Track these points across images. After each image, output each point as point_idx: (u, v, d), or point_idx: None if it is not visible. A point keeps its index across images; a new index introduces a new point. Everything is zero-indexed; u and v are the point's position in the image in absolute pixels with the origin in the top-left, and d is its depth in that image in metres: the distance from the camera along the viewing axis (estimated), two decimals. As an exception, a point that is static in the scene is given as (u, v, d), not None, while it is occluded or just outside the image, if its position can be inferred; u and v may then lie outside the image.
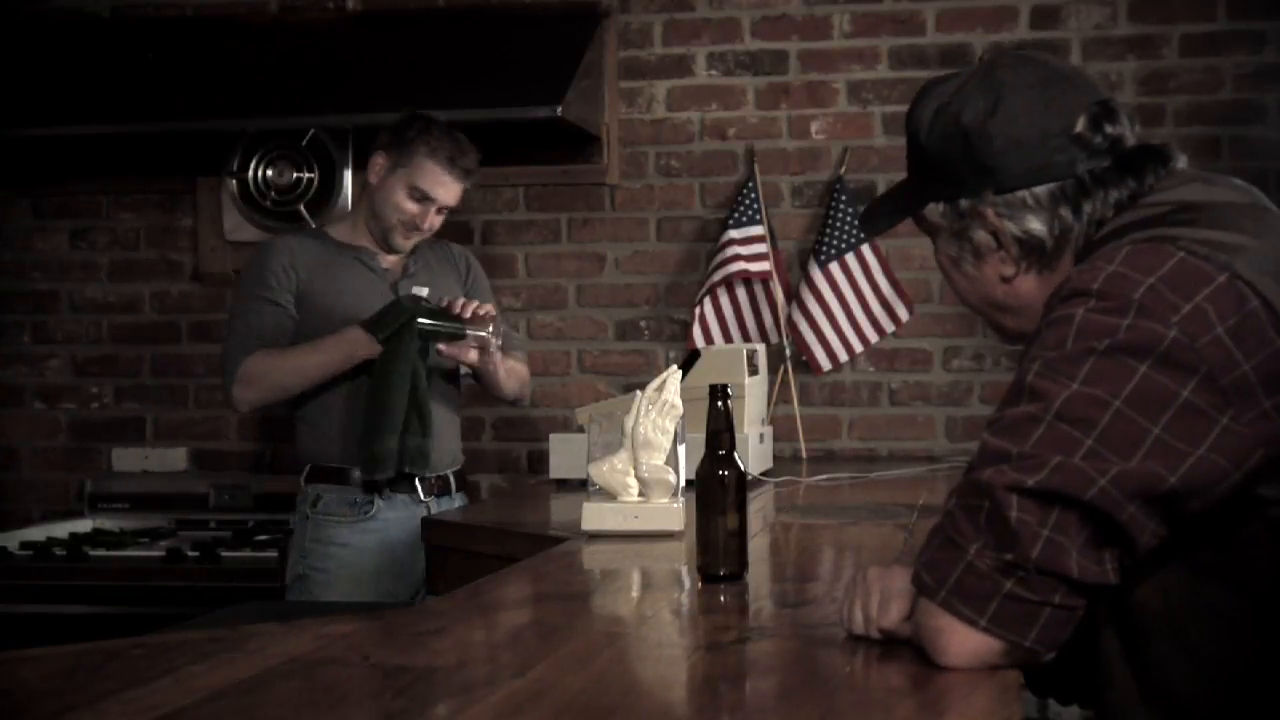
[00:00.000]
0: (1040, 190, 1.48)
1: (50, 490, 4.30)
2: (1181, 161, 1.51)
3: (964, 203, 1.51)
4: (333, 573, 3.07)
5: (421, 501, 3.13)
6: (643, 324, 4.10)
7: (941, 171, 1.53)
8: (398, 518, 3.10)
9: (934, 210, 1.55)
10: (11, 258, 4.33)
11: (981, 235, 1.52)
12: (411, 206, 3.11)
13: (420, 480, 3.13)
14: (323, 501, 3.11)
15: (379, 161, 3.13)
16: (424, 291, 3.12)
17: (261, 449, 4.21)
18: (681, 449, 2.39)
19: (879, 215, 1.67)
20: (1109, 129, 1.48)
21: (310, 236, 3.24)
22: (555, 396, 4.12)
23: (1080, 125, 1.47)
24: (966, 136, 1.49)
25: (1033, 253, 1.50)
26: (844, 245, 3.90)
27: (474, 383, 3.30)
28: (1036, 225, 1.48)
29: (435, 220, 3.17)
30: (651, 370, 3.94)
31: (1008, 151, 1.47)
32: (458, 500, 3.25)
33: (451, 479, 3.23)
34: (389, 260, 3.21)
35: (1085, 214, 1.47)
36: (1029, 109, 1.48)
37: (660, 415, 2.31)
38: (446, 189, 3.12)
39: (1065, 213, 1.47)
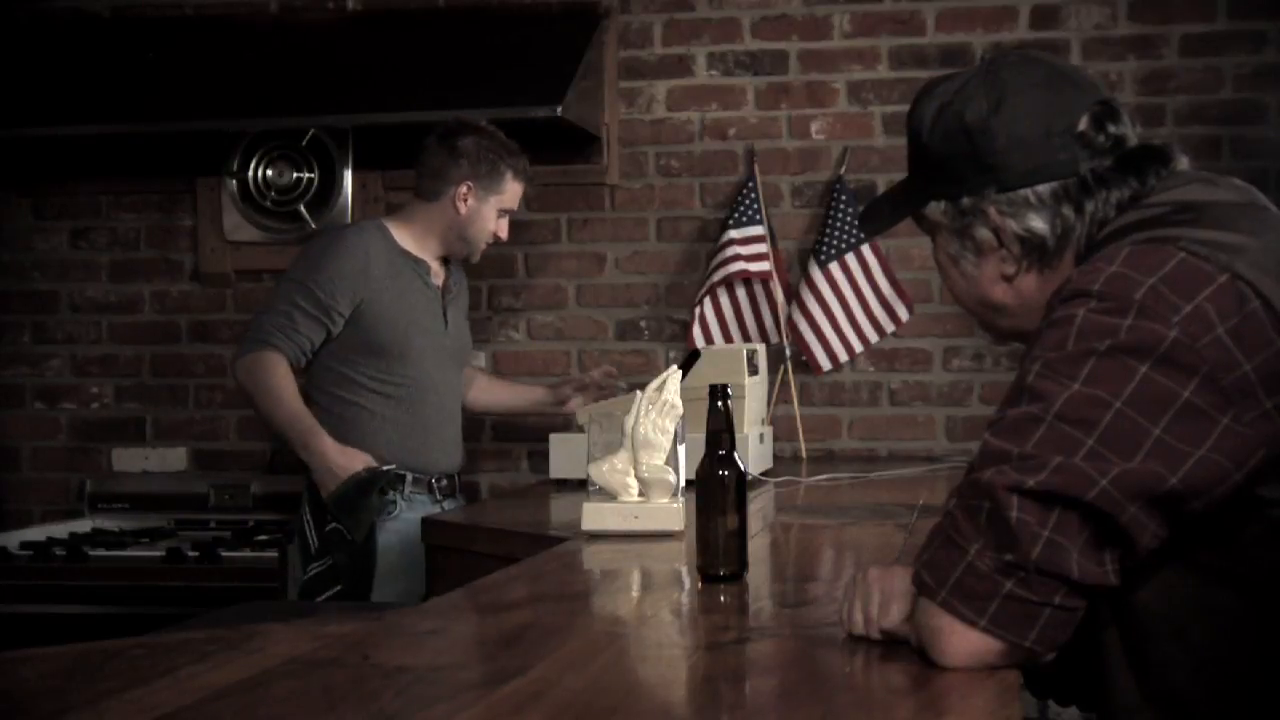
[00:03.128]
0: (1043, 189, 1.48)
1: (50, 490, 4.29)
2: (1183, 162, 1.51)
3: (966, 201, 1.51)
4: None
5: (437, 502, 3.23)
6: (643, 324, 4.10)
7: (943, 170, 1.52)
8: (414, 520, 3.09)
9: (935, 208, 1.55)
10: (11, 258, 4.33)
11: (983, 233, 1.52)
12: (501, 225, 3.28)
13: (434, 482, 3.23)
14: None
15: (464, 192, 3.20)
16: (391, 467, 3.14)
17: (261, 449, 4.21)
18: (681, 449, 2.39)
19: (879, 213, 1.67)
20: (1111, 128, 1.48)
21: (381, 237, 3.23)
22: (555, 396, 4.11)
23: (1083, 124, 1.48)
24: (969, 135, 1.49)
25: (1034, 251, 1.50)
26: (844, 245, 3.90)
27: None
28: (1039, 224, 1.48)
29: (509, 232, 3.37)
30: (651, 370, 3.93)
31: (1011, 150, 1.47)
32: (460, 501, 3.35)
33: (457, 480, 3.33)
34: (439, 278, 3.30)
35: (1087, 213, 1.47)
36: (1032, 108, 1.48)
37: (660, 415, 2.31)
38: (520, 200, 3.34)
39: (1068, 211, 1.47)
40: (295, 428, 3.08)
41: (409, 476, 3.18)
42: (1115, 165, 1.47)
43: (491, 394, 3.64)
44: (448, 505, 3.27)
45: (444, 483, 3.27)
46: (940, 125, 1.52)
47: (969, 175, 1.50)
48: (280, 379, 3.09)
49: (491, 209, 3.23)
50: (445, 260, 3.34)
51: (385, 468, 3.08)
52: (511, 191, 3.26)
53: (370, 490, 3.05)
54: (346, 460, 3.05)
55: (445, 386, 3.29)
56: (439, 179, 3.21)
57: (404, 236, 3.25)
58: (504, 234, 3.30)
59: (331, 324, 3.14)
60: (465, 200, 3.20)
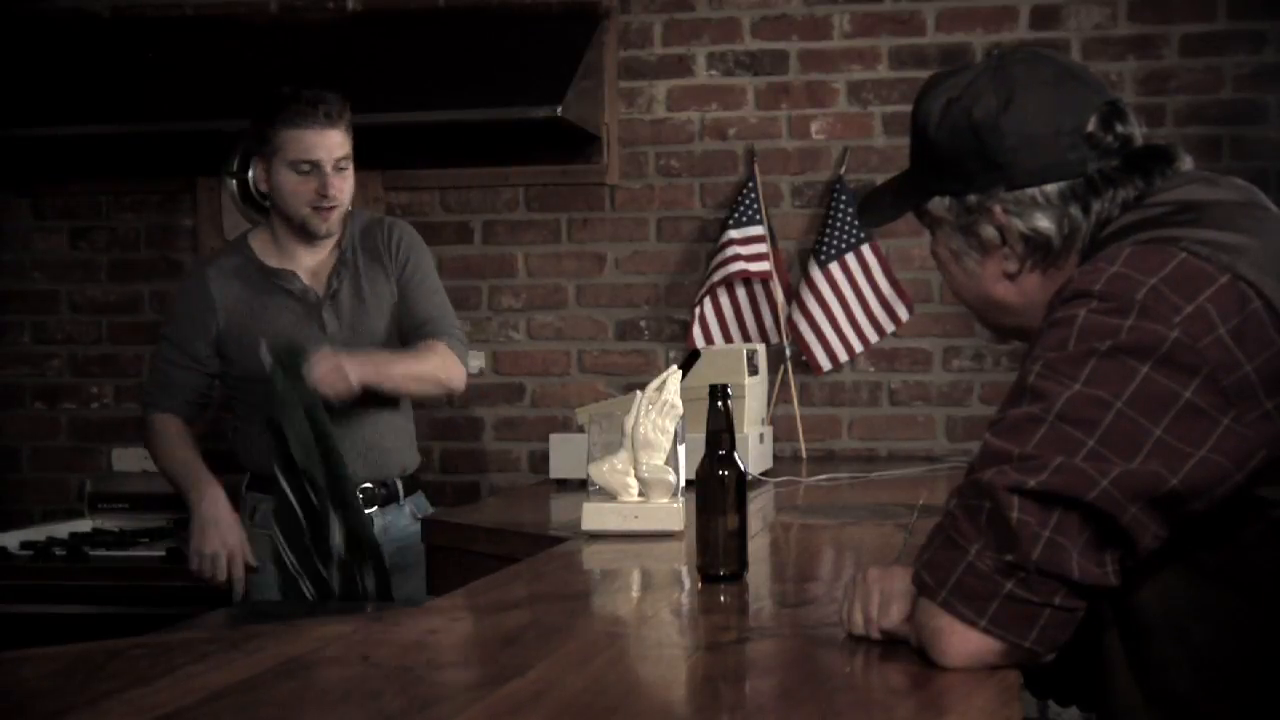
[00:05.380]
0: (1050, 188, 1.47)
1: (50, 490, 4.29)
2: (1187, 162, 1.50)
3: (972, 198, 1.50)
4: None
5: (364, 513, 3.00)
6: (643, 324, 4.10)
7: (949, 165, 1.51)
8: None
9: (939, 204, 1.54)
10: (11, 258, 4.33)
11: (988, 231, 1.51)
12: (307, 183, 2.93)
13: (361, 491, 2.98)
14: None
15: (259, 168, 3.00)
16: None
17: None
18: (681, 449, 2.39)
19: (880, 205, 1.66)
20: (1119, 128, 1.48)
21: (232, 261, 3.07)
22: (555, 396, 4.12)
23: (1092, 124, 1.47)
24: (978, 131, 1.48)
25: (1038, 250, 1.49)
26: (844, 245, 3.89)
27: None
28: (1045, 223, 1.48)
29: (340, 185, 2.96)
30: (651, 370, 3.93)
31: (1020, 148, 1.46)
32: (407, 507, 3.11)
33: (400, 486, 3.10)
34: (311, 277, 3.04)
35: (1094, 213, 1.46)
36: (1042, 106, 1.47)
37: (660, 415, 2.32)
38: (323, 144, 2.93)
39: (1075, 211, 1.47)
40: (179, 480, 3.01)
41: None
42: (1122, 165, 1.47)
43: None
44: (383, 517, 3.05)
45: (382, 491, 3.06)
46: (948, 121, 1.51)
47: (976, 172, 1.49)
48: (165, 435, 3.05)
49: (281, 169, 2.93)
50: (345, 254, 3.06)
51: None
52: (288, 140, 2.91)
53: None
54: (217, 531, 2.90)
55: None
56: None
57: (265, 249, 3.07)
58: (329, 190, 2.93)
59: (202, 367, 3.06)
60: (263, 176, 2.99)
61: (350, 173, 3.01)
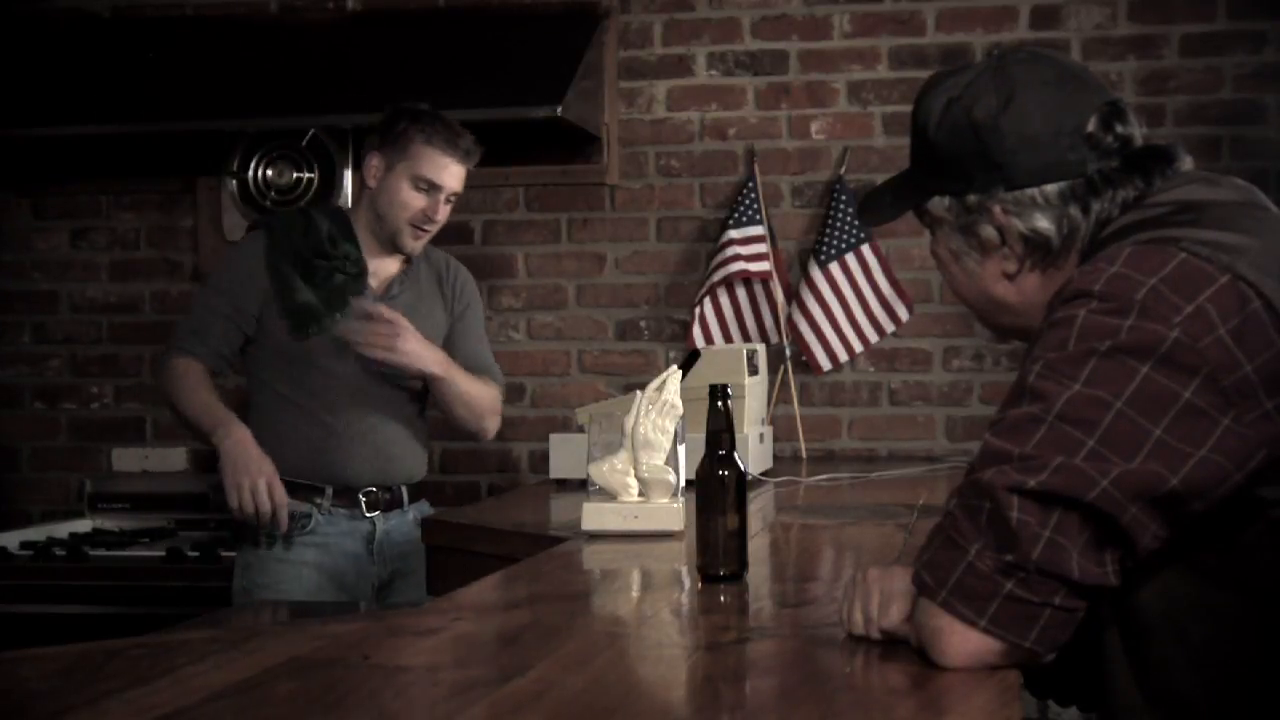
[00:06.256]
0: (1050, 189, 1.47)
1: (50, 490, 4.29)
2: (1188, 162, 1.50)
3: (971, 198, 1.50)
4: (272, 588, 2.97)
5: (365, 517, 3.04)
6: (643, 324, 4.10)
7: (949, 165, 1.51)
8: (338, 533, 3.01)
9: (938, 204, 1.54)
10: (11, 258, 4.33)
11: (988, 231, 1.51)
12: (418, 199, 2.99)
13: (364, 494, 3.02)
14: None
15: (374, 162, 3.02)
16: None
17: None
18: (681, 449, 2.39)
19: (880, 205, 1.66)
20: (1119, 129, 1.48)
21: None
22: (555, 396, 4.12)
23: (1092, 125, 1.47)
24: (978, 131, 1.48)
25: (1037, 251, 1.49)
26: (844, 245, 3.89)
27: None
28: (1044, 223, 1.48)
29: (444, 211, 3.04)
30: (651, 370, 3.93)
31: (1020, 148, 1.46)
32: (411, 513, 3.12)
33: (404, 493, 3.12)
34: (373, 276, 3.07)
35: (1094, 213, 1.46)
36: (1042, 106, 1.47)
37: (660, 415, 2.31)
38: (450, 173, 3.01)
39: (1074, 212, 1.47)
40: (202, 420, 2.95)
41: (328, 490, 3.01)
42: (1122, 166, 1.47)
43: None
44: (385, 521, 3.07)
45: (387, 495, 3.07)
46: (948, 120, 1.51)
47: (976, 172, 1.49)
48: (189, 377, 2.97)
49: (401, 178, 2.97)
50: (412, 268, 3.12)
51: (280, 512, 2.91)
52: (423, 156, 2.96)
53: (254, 534, 2.97)
54: (247, 462, 2.88)
55: (369, 396, 3.00)
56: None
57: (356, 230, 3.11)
58: (436, 214, 3.00)
59: (243, 323, 3.02)
60: (376, 173, 3.01)
61: (448, 210, 3.08)
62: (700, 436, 1.94)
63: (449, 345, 3.13)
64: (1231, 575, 1.35)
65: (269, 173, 4.11)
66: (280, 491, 2.91)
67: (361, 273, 3.04)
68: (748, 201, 3.93)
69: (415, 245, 3.06)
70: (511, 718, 1.25)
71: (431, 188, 3.00)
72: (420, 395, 3.15)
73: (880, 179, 3.92)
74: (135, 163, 4.19)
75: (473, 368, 3.13)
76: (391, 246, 3.07)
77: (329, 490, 3.02)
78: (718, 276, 3.87)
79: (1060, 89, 1.48)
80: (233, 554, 3.55)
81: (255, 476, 2.89)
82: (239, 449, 2.91)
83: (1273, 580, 1.33)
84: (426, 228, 3.04)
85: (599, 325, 4.11)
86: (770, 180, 4.01)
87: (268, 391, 3.05)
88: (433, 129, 2.98)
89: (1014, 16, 3.94)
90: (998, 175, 1.48)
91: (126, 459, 4.25)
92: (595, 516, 2.35)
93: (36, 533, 3.83)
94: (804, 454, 3.94)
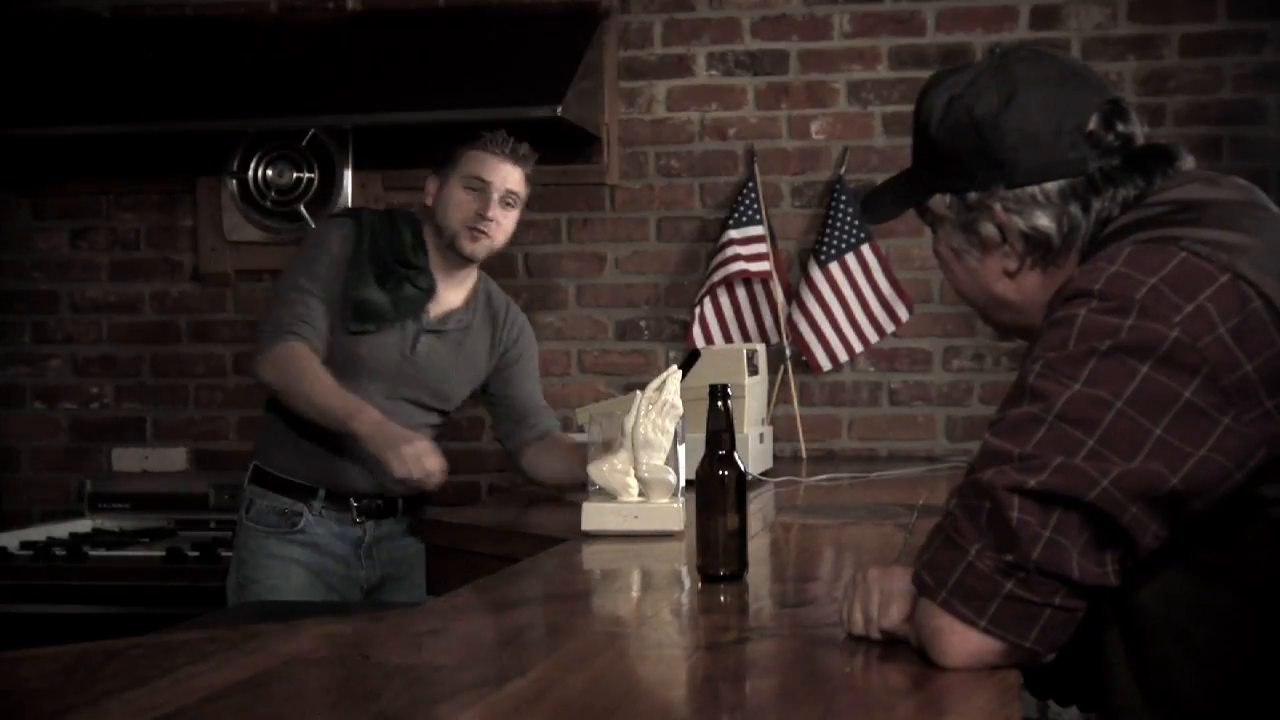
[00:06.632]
0: (1050, 187, 1.47)
1: (50, 490, 4.29)
2: (1189, 161, 1.50)
3: (972, 196, 1.51)
4: (263, 583, 2.96)
5: (356, 523, 3.02)
6: (643, 324, 4.10)
7: (950, 163, 1.52)
8: (328, 535, 3.00)
9: (940, 202, 1.55)
10: (11, 258, 4.33)
11: (988, 229, 1.51)
12: (470, 198, 2.96)
13: (357, 500, 3.00)
14: (255, 508, 3.01)
15: (431, 186, 3.02)
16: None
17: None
18: (681, 449, 2.40)
19: (882, 203, 1.66)
20: (1120, 127, 1.48)
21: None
22: (555, 396, 4.10)
23: (1093, 123, 1.47)
24: (979, 129, 1.48)
25: (1038, 249, 1.50)
26: (844, 245, 3.89)
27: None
28: (1045, 221, 1.48)
29: (502, 215, 2.98)
30: (651, 370, 3.93)
31: (1020, 146, 1.47)
32: (406, 521, 3.09)
33: (400, 503, 3.08)
34: (438, 304, 3.04)
35: (1094, 212, 1.47)
36: (1043, 104, 1.47)
37: (660, 415, 2.32)
38: (499, 171, 2.97)
39: (1075, 210, 1.47)
40: (334, 406, 2.84)
41: (321, 492, 2.99)
42: (1122, 164, 1.47)
43: (541, 463, 3.19)
44: (376, 528, 3.04)
45: (379, 503, 3.03)
46: (949, 118, 1.51)
47: (976, 170, 1.49)
48: (307, 362, 2.87)
49: (453, 184, 2.97)
50: (472, 304, 3.09)
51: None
52: (471, 159, 2.96)
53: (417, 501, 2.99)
54: (396, 435, 2.81)
55: (391, 419, 2.88)
56: None
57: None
58: (489, 211, 2.95)
59: (330, 311, 2.95)
60: (431, 192, 3.01)
61: (514, 215, 3.04)
62: (700, 436, 1.94)
63: (501, 387, 3.17)
64: (1232, 574, 1.35)
65: (269, 173, 4.11)
66: (438, 455, 2.86)
67: (429, 292, 3.02)
68: (748, 201, 3.93)
69: (474, 248, 2.99)
70: (511, 718, 1.25)
71: (482, 185, 2.97)
72: (439, 425, 3.15)
73: (880, 179, 3.93)
74: (135, 163, 4.19)
75: (525, 411, 3.17)
76: (454, 256, 3.02)
77: (321, 493, 3.01)
78: (718, 276, 3.87)
79: (1061, 87, 1.48)
80: (233, 554, 3.55)
81: (410, 443, 2.82)
82: (381, 428, 2.83)
83: (1273, 579, 1.33)
84: (482, 228, 2.97)
85: (599, 325, 4.11)
86: (770, 180, 4.01)
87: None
88: (481, 138, 2.99)
89: (1014, 16, 3.94)
90: (998, 173, 1.48)
91: (126, 459, 4.25)
92: (595, 516, 2.36)
93: (36, 533, 3.83)
94: (804, 454, 3.94)
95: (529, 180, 3.06)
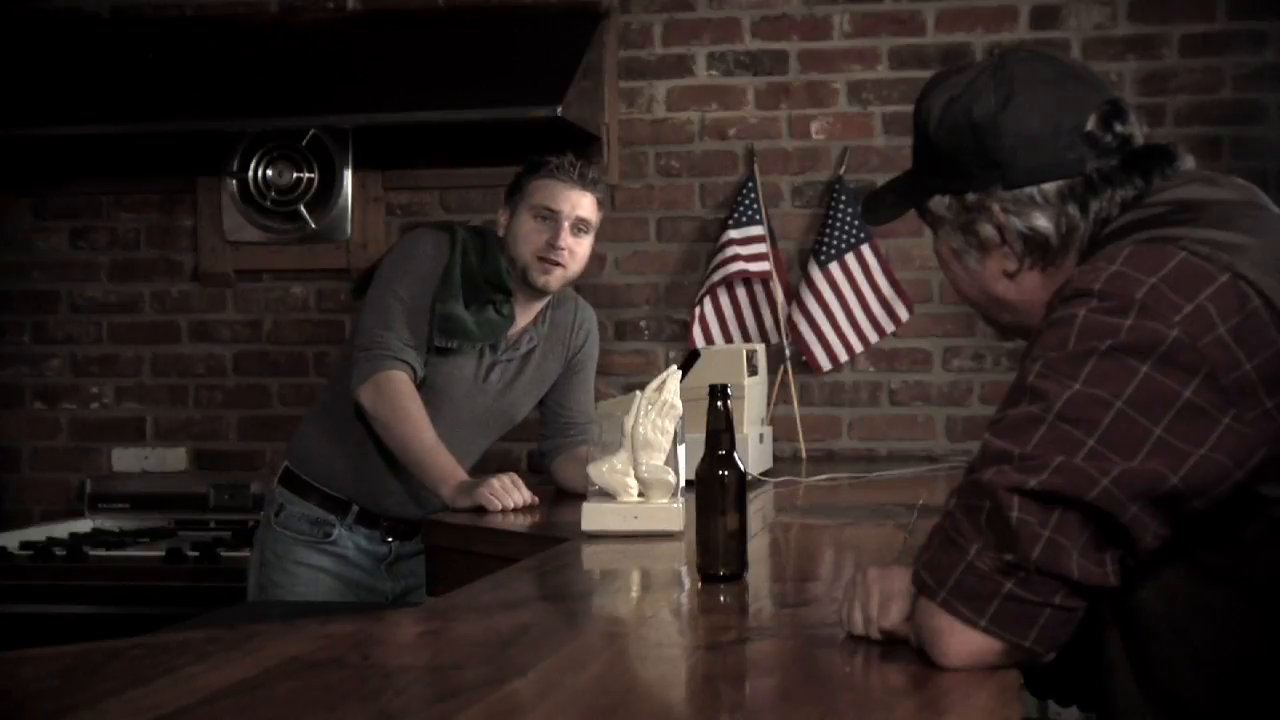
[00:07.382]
0: (1049, 187, 1.47)
1: (50, 490, 4.29)
2: (1188, 161, 1.51)
3: (971, 197, 1.51)
4: (287, 589, 2.96)
5: (385, 542, 3.03)
6: (643, 324, 4.10)
7: (949, 164, 1.52)
8: (355, 549, 3.01)
9: (939, 203, 1.55)
10: (11, 258, 4.33)
11: (987, 230, 1.51)
12: (539, 229, 2.90)
13: (387, 520, 3.01)
14: (285, 512, 3.00)
15: (502, 217, 2.97)
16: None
17: (260, 449, 4.21)
18: (681, 449, 2.39)
19: (882, 204, 1.67)
20: (1119, 128, 1.48)
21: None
22: (555, 396, 4.11)
23: (1091, 123, 1.47)
24: (977, 130, 1.49)
25: (1037, 249, 1.50)
26: (844, 245, 3.90)
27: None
28: (1043, 222, 1.48)
29: (573, 243, 2.92)
30: (651, 370, 3.93)
31: (1018, 147, 1.47)
32: (418, 543, 3.04)
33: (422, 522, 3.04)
34: (519, 331, 3.01)
35: (1092, 212, 1.47)
36: (1041, 105, 1.47)
37: (660, 415, 2.31)
38: (568, 198, 2.91)
39: (1073, 211, 1.47)
40: (429, 465, 2.81)
41: (354, 509, 2.99)
42: (1121, 165, 1.47)
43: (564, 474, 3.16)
44: (400, 547, 3.05)
45: (403, 526, 3.03)
46: (948, 119, 1.51)
47: (975, 171, 1.50)
48: (410, 403, 2.82)
49: (523, 215, 2.92)
50: (540, 323, 3.05)
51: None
52: (538, 188, 2.92)
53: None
54: (480, 488, 2.75)
55: (450, 443, 2.87)
56: None
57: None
58: (559, 240, 2.89)
59: (426, 321, 2.91)
60: (503, 222, 2.97)
61: (587, 242, 2.98)
62: (700, 436, 1.94)
63: (559, 396, 3.13)
64: (1232, 574, 1.35)
65: (269, 173, 4.11)
66: (523, 489, 2.81)
67: (510, 320, 2.98)
68: (748, 201, 3.93)
69: (546, 280, 2.94)
70: (511, 718, 1.25)
71: (551, 214, 2.91)
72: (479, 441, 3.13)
73: (880, 179, 3.94)
74: (135, 163, 4.19)
75: (574, 421, 3.12)
76: (527, 288, 2.96)
77: (355, 509, 3.00)
78: (717, 276, 3.87)
79: (1060, 88, 1.48)
80: (232, 554, 3.56)
81: (495, 491, 2.77)
82: (465, 490, 2.78)
83: (1273, 578, 1.33)
84: (553, 257, 2.91)
85: (599, 325, 4.11)
86: (770, 180, 4.01)
87: (349, 402, 2.91)
88: (549, 166, 2.94)
89: (1014, 16, 3.94)
90: (997, 174, 1.48)
91: (126, 459, 4.25)
92: (595, 517, 2.35)
93: (36, 533, 3.83)
94: (804, 454, 3.94)
95: (601, 205, 3.00)
